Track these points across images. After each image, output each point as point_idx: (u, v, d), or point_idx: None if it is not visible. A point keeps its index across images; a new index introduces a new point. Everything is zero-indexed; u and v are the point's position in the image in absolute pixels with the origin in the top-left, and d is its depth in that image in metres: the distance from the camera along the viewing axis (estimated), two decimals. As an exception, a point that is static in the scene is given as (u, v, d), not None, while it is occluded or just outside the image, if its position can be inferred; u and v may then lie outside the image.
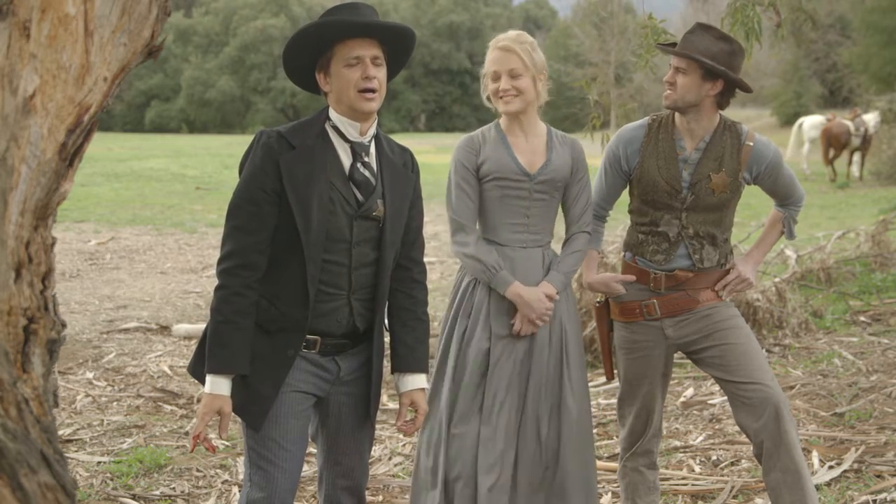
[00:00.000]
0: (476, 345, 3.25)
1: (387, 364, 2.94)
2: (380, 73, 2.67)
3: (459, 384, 3.26)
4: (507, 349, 3.24)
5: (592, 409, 5.22)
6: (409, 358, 2.87)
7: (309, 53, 2.68)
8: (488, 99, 3.32)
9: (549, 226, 3.36)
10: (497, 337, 3.25)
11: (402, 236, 2.83)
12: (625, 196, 3.59)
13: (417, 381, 2.89)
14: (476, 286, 3.30)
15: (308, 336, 2.68)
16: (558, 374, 3.27)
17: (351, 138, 2.70)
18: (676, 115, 3.40)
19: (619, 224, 8.95)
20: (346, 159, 2.70)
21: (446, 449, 3.25)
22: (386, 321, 2.89)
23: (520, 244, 3.28)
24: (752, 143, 3.40)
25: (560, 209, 3.42)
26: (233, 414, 2.66)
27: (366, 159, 2.72)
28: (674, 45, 3.46)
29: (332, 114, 2.71)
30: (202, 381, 2.66)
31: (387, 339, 2.90)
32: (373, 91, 2.64)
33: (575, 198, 3.36)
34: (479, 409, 3.23)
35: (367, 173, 2.71)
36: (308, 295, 2.63)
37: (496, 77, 3.24)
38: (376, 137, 2.78)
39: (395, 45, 2.73)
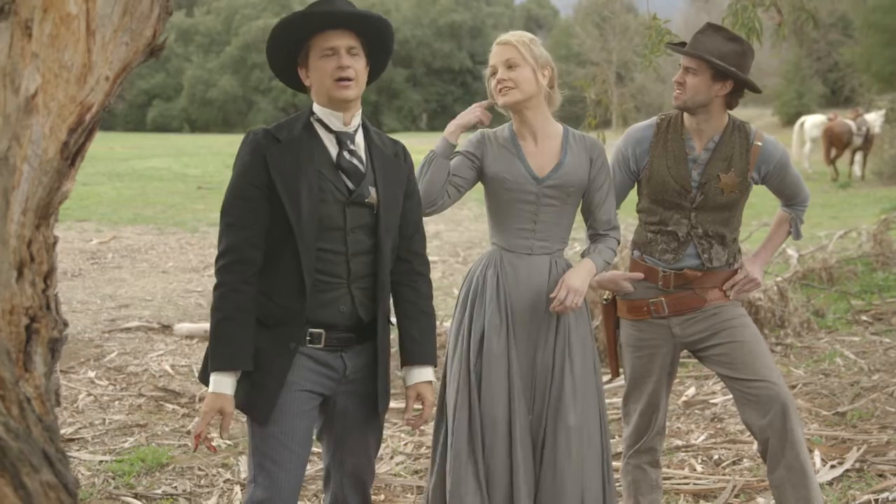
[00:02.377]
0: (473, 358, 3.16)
1: (393, 363, 2.93)
2: (356, 63, 2.69)
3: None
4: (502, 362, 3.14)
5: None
6: (416, 350, 2.87)
7: (289, 48, 2.73)
8: (494, 99, 3.20)
9: (561, 232, 3.23)
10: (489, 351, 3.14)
11: (401, 229, 2.83)
12: (633, 195, 3.59)
13: (424, 374, 2.89)
14: (484, 284, 3.21)
15: (312, 329, 2.68)
16: (560, 387, 3.13)
17: (335, 128, 2.73)
18: (685, 115, 3.40)
19: (621, 223, 8.94)
20: (332, 149, 2.73)
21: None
22: (393, 318, 2.89)
23: (525, 250, 3.18)
24: (760, 143, 3.41)
25: (579, 214, 3.31)
26: (237, 412, 2.67)
27: (352, 147, 2.74)
28: (682, 44, 3.46)
29: (316, 107, 2.75)
30: None
31: (394, 335, 2.90)
32: (348, 79, 2.67)
33: (599, 204, 3.24)
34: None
35: (354, 160, 2.73)
36: (305, 285, 2.63)
37: (494, 71, 3.16)
38: (364, 128, 2.81)
39: (371, 35, 2.74)
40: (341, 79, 2.66)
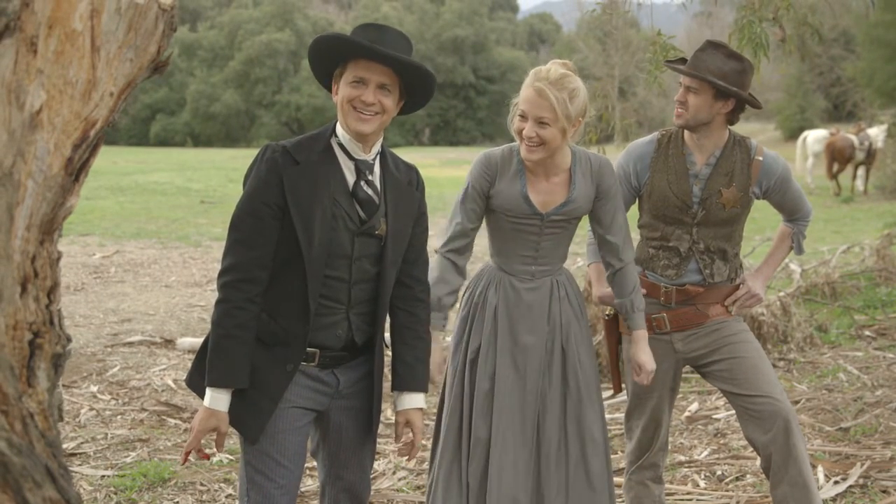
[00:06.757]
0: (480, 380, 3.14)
1: (387, 380, 2.93)
2: (384, 99, 2.62)
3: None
4: (514, 384, 3.13)
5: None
6: (408, 377, 2.84)
7: (327, 61, 2.68)
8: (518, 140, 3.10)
9: (562, 253, 3.22)
10: (501, 374, 3.12)
11: (405, 253, 2.81)
12: (634, 210, 3.59)
13: (415, 401, 2.86)
14: (484, 303, 3.20)
15: (307, 349, 2.67)
16: (570, 404, 3.14)
17: (355, 156, 2.68)
18: (686, 131, 3.41)
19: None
20: (349, 176, 2.68)
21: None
22: (387, 338, 2.88)
23: (528, 275, 3.16)
24: (761, 158, 3.41)
25: (583, 227, 3.29)
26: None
27: (370, 177, 2.70)
28: (683, 60, 3.46)
29: (339, 129, 2.70)
30: (200, 394, 2.66)
31: (388, 355, 2.90)
32: (368, 113, 2.61)
33: (608, 226, 3.18)
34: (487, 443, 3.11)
35: (370, 191, 2.69)
36: (309, 310, 2.61)
37: (523, 117, 3.01)
38: (382, 155, 2.76)
39: (411, 80, 2.68)
40: (360, 110, 2.61)
